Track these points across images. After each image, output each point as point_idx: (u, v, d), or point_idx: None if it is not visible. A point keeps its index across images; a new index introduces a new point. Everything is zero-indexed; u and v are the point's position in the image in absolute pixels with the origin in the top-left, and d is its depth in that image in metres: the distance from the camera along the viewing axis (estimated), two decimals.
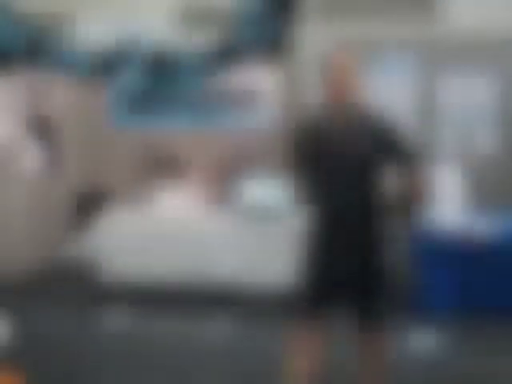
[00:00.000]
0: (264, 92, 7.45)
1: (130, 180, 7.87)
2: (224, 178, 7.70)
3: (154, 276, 5.59)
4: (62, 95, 7.48)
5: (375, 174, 2.83)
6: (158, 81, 5.55)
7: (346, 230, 2.80)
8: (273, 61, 5.20)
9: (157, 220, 5.68)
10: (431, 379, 3.79)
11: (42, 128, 7.20)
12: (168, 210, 5.78)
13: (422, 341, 4.30)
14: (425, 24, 5.10)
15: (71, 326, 5.02)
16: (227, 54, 5.26)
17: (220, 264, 5.47)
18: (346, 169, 2.79)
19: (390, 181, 2.89)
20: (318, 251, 2.87)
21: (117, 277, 5.67)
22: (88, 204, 7.25)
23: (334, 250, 2.83)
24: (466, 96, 6.59)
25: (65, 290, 6.21)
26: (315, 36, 4.72)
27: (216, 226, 5.54)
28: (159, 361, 4.18)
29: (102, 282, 5.72)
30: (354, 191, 2.80)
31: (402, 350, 4.16)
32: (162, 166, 7.49)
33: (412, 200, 2.92)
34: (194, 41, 5.48)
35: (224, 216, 5.72)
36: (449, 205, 5.12)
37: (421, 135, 6.78)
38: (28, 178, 6.82)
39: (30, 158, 6.91)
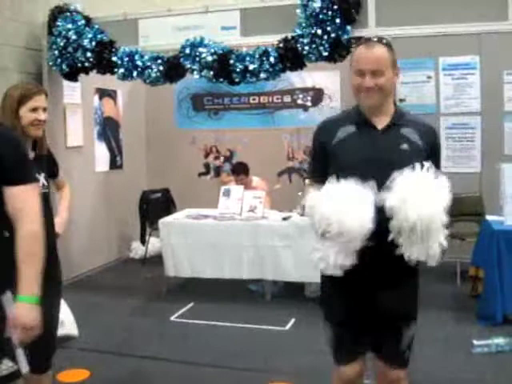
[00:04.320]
0: (327, 91, 7.43)
1: (193, 179, 8.01)
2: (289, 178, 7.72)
3: (215, 273, 5.69)
4: (129, 97, 7.70)
5: None
6: (221, 81, 5.60)
7: None
8: (334, 59, 5.17)
9: (219, 219, 5.75)
10: None
11: (111, 128, 7.41)
12: (230, 209, 5.84)
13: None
14: None
15: (138, 316, 5.20)
16: (289, 54, 5.25)
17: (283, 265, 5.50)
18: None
19: None
20: None
21: (181, 272, 5.79)
22: (154, 201, 7.41)
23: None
24: None
25: (133, 283, 6.42)
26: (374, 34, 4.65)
27: (279, 227, 5.57)
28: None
29: (168, 277, 5.85)
30: None
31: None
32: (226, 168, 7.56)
33: None
34: (256, 40, 5.50)
35: (285, 216, 5.74)
36: None
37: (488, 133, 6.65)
38: (99, 175, 7.05)
39: (100, 157, 7.14)
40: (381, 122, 2.42)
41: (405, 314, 2.49)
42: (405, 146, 2.38)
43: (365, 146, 2.40)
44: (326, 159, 2.47)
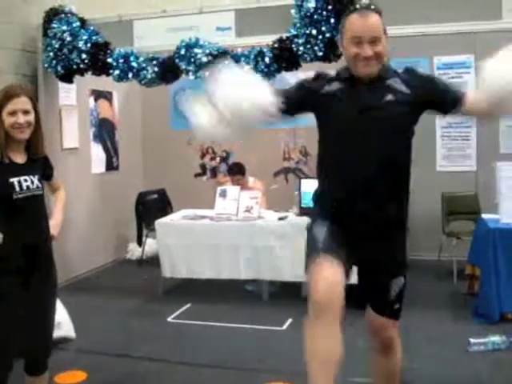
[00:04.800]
0: None
1: (190, 180, 8.01)
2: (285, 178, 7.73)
3: (212, 274, 5.69)
4: (124, 99, 7.69)
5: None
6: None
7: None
8: (329, 59, 5.17)
9: (216, 219, 5.75)
10: None
11: (107, 130, 7.41)
12: (227, 210, 5.84)
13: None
14: None
15: (134, 318, 5.20)
16: (284, 53, 5.24)
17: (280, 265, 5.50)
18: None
19: None
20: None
21: (177, 273, 5.79)
22: (151, 202, 7.40)
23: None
24: None
25: (129, 284, 6.42)
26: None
27: (275, 227, 5.57)
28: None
29: (164, 278, 5.84)
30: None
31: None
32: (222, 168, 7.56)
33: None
34: (252, 41, 5.49)
35: (282, 216, 5.74)
36: None
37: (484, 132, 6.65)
38: (95, 176, 7.04)
39: (96, 158, 7.13)
40: (367, 78, 2.46)
41: (393, 266, 2.55)
42: (389, 97, 2.42)
43: (351, 102, 2.44)
44: (300, 101, 2.58)
